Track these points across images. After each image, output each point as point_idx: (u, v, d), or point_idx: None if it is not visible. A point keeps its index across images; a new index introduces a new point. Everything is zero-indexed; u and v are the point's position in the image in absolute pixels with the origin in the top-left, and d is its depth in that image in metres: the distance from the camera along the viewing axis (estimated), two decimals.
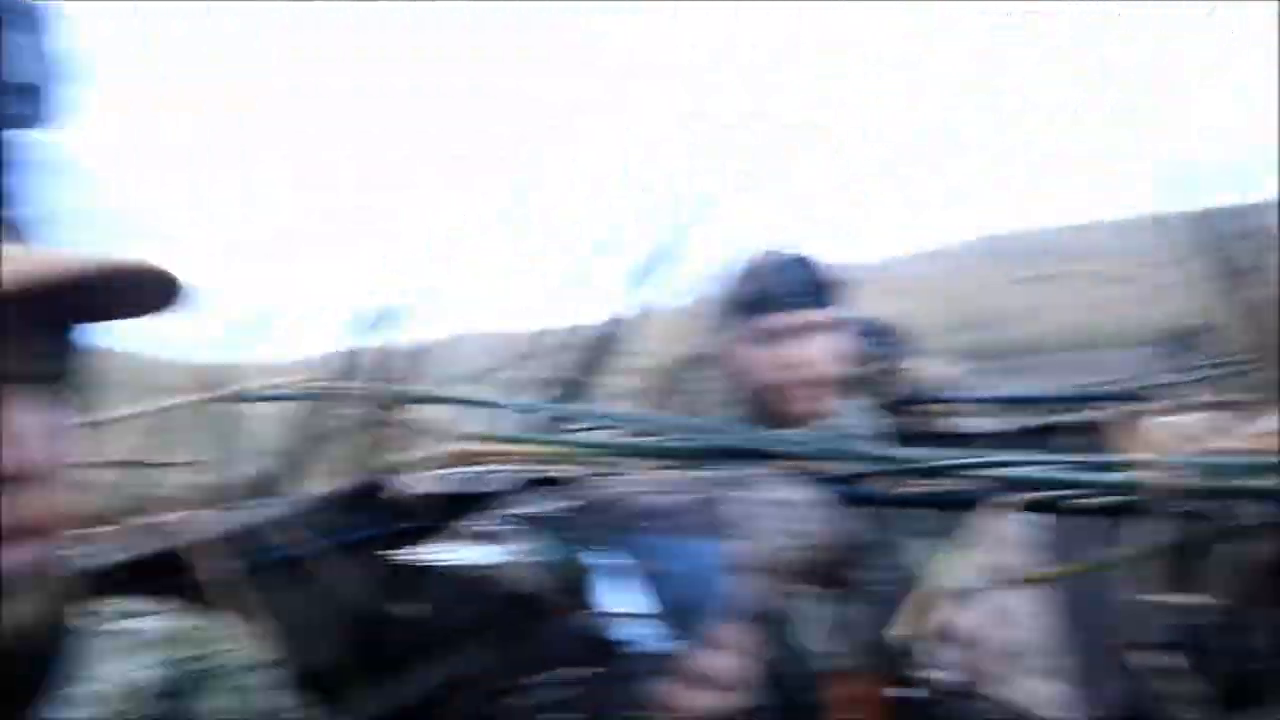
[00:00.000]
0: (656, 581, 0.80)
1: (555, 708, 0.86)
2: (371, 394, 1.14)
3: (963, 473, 1.08)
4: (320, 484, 1.11)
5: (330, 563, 0.99)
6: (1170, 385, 1.76)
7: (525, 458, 1.21)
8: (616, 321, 1.56)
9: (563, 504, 0.89)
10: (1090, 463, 1.03)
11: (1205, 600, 1.00)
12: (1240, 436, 1.00)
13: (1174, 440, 1.00)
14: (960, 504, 1.13)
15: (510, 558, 0.85)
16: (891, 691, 1.01)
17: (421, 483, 1.07)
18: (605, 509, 0.87)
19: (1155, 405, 1.79)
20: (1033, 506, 1.03)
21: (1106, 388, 1.96)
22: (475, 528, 0.89)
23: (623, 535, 0.84)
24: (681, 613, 0.79)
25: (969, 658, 1.52)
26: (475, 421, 1.27)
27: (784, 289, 1.52)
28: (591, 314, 1.57)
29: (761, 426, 1.55)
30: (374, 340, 1.20)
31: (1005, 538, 1.05)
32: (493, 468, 1.16)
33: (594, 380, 1.58)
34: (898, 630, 0.96)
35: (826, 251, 1.67)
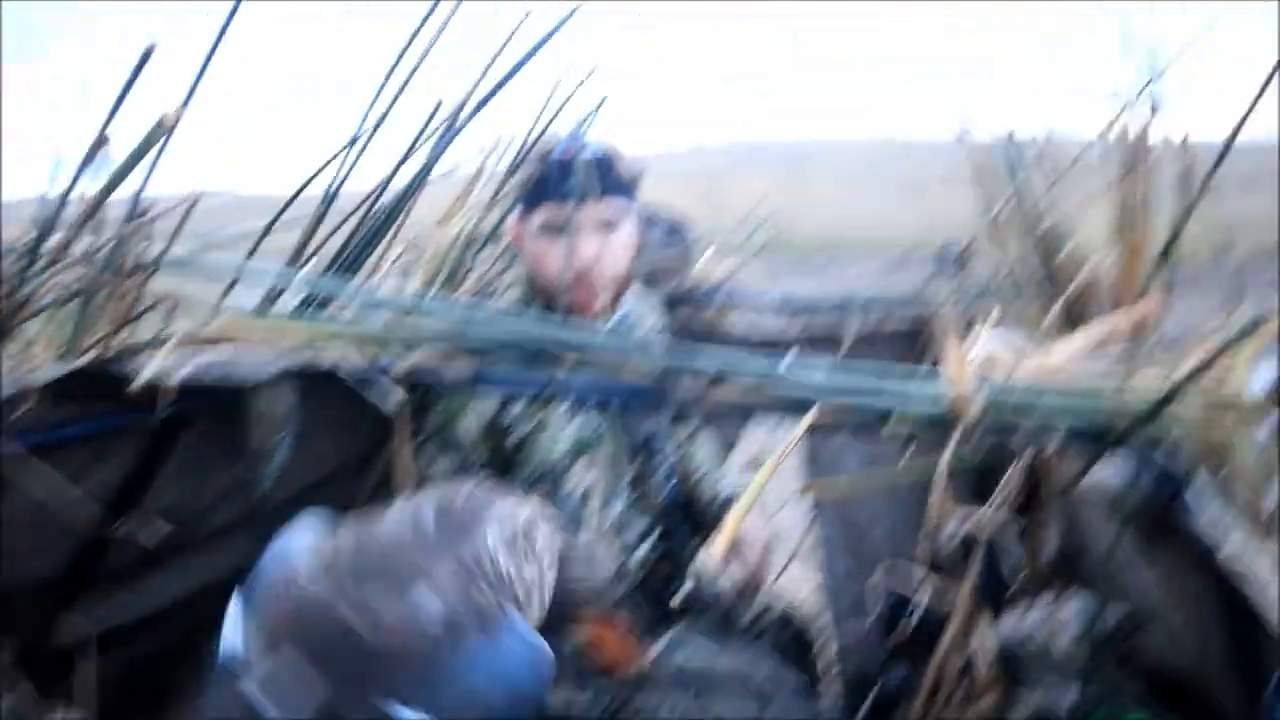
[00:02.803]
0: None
1: None
2: (101, 255, 0.93)
3: (755, 381, 1.06)
4: (31, 363, 0.90)
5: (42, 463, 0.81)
6: (948, 300, 1.83)
7: (284, 340, 1.05)
8: (395, 190, 1.40)
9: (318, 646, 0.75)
10: (894, 381, 1.02)
11: (982, 514, 1.03)
12: (1030, 363, 1.03)
13: (973, 362, 1.01)
14: (752, 413, 1.11)
15: None
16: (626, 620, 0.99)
17: (158, 368, 0.87)
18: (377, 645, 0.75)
19: (934, 319, 1.88)
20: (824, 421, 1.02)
21: (883, 296, 2.03)
22: None
23: (410, 675, 0.74)
24: None
25: (746, 561, 1.55)
26: (230, 296, 1.09)
27: (573, 181, 1.44)
28: (367, 179, 1.41)
29: (546, 319, 1.47)
30: (99, 188, 0.98)
31: (789, 448, 1.04)
32: (245, 352, 1.00)
33: (367, 254, 1.43)
34: (712, 546, 0.92)
35: (618, 140, 1.58)
